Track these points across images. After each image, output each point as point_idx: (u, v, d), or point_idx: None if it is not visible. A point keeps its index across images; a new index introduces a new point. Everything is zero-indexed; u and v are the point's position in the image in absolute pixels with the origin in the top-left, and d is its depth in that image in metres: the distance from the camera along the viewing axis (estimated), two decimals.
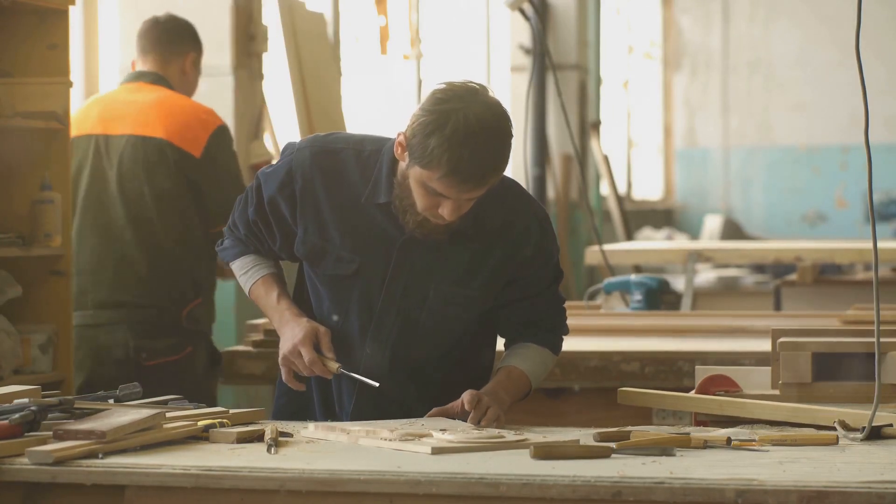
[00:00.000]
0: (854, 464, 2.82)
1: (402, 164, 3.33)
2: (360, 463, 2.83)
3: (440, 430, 3.12)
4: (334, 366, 3.41)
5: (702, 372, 3.61)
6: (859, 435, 3.08)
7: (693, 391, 3.58)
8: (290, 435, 3.15)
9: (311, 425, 3.27)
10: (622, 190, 13.44)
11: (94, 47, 6.42)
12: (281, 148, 4.95)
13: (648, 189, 15.33)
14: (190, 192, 5.15)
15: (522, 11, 7.17)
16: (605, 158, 12.18)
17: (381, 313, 3.45)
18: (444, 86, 3.27)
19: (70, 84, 4.79)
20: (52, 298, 4.81)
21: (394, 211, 3.38)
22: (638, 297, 5.89)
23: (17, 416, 2.95)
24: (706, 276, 9.70)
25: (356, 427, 3.16)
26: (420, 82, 9.69)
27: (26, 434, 2.94)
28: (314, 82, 7.32)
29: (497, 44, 11.18)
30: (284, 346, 3.44)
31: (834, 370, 3.51)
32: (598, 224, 11.27)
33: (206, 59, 5.51)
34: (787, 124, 15.20)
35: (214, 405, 3.69)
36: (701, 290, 8.81)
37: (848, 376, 3.50)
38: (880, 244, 5.48)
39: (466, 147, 3.19)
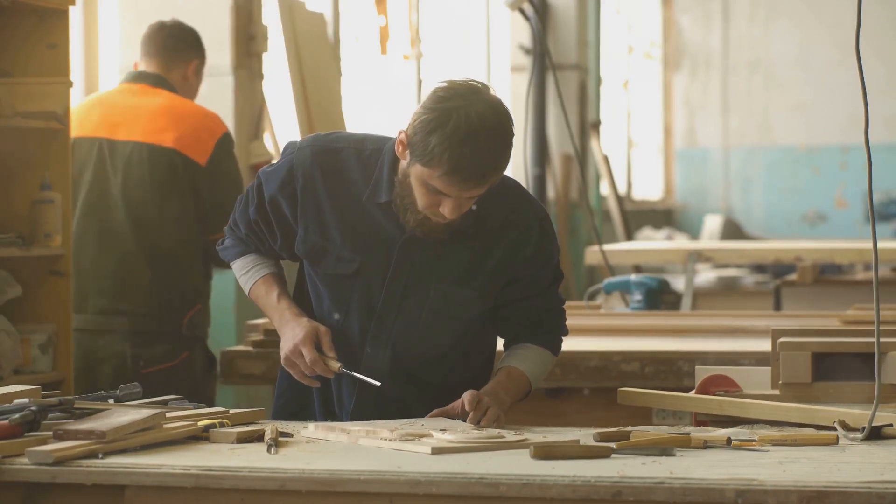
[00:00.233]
0: (854, 464, 2.82)
1: (403, 163, 3.33)
2: (360, 463, 2.83)
3: (440, 431, 3.12)
4: (335, 365, 3.41)
5: (702, 372, 3.61)
6: (859, 435, 3.08)
7: (693, 391, 3.58)
8: (290, 435, 3.15)
9: (311, 425, 3.27)
10: (622, 190, 13.44)
11: (94, 47, 6.41)
12: (281, 148, 4.96)
13: (648, 189, 15.32)
14: (191, 197, 5.15)
15: (522, 11, 7.18)
16: (605, 158, 12.17)
17: (381, 313, 3.45)
18: (446, 84, 3.27)
19: (70, 84, 4.79)
20: (52, 298, 4.81)
21: (394, 210, 3.38)
22: (638, 297, 5.89)
23: (17, 416, 2.94)
24: (706, 276, 9.70)
25: (356, 427, 3.16)
26: (420, 82, 9.69)
27: (26, 434, 2.94)
28: (314, 82, 7.32)
29: (497, 44, 11.18)
30: (285, 346, 3.44)
31: (834, 370, 3.51)
32: (598, 224, 11.27)
33: (207, 60, 5.50)
34: (787, 124, 15.20)
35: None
36: (701, 290, 8.82)
37: (848, 376, 3.50)
38: (880, 244, 5.48)
39: (467, 145, 3.19)
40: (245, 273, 3.62)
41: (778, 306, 7.79)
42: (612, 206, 12.24)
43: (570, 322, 3.64)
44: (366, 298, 3.45)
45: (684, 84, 15.55)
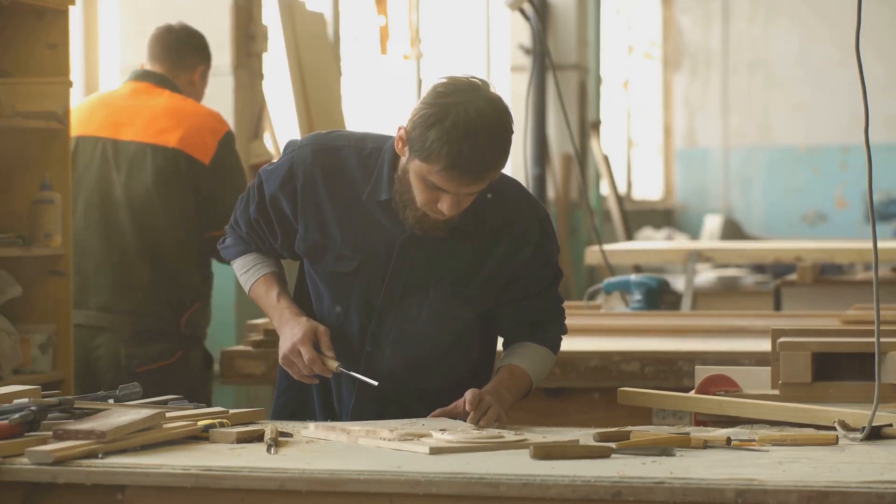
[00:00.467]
0: (854, 464, 2.82)
1: (403, 159, 3.33)
2: (360, 463, 2.83)
3: (440, 430, 3.12)
4: (334, 364, 3.41)
5: (702, 372, 3.61)
6: (859, 435, 3.08)
7: (693, 391, 3.58)
8: (290, 435, 3.15)
9: (311, 425, 3.27)
10: (622, 190, 13.44)
11: (94, 47, 6.41)
12: (281, 148, 4.95)
13: (648, 189, 15.32)
14: (193, 197, 5.15)
15: (522, 11, 7.18)
16: (605, 158, 12.17)
17: (381, 311, 3.45)
18: (445, 80, 3.27)
19: (70, 84, 4.79)
20: (52, 298, 4.81)
21: (394, 206, 3.37)
22: (638, 297, 5.89)
23: (17, 416, 2.94)
24: (706, 276, 9.69)
25: (356, 427, 3.16)
26: (420, 82, 9.69)
27: (26, 434, 2.94)
28: (314, 82, 7.32)
29: (497, 44, 11.18)
30: (284, 346, 3.44)
31: (834, 370, 3.51)
32: (598, 224, 11.26)
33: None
34: (787, 124, 15.19)
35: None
36: (701, 290, 8.82)
37: (848, 376, 3.50)
38: (880, 244, 5.48)
39: (466, 141, 3.19)
40: (245, 272, 3.62)
41: (778, 306, 7.79)
42: (612, 205, 12.24)
43: (570, 322, 3.64)
44: (365, 297, 3.45)
45: (684, 84, 15.54)
